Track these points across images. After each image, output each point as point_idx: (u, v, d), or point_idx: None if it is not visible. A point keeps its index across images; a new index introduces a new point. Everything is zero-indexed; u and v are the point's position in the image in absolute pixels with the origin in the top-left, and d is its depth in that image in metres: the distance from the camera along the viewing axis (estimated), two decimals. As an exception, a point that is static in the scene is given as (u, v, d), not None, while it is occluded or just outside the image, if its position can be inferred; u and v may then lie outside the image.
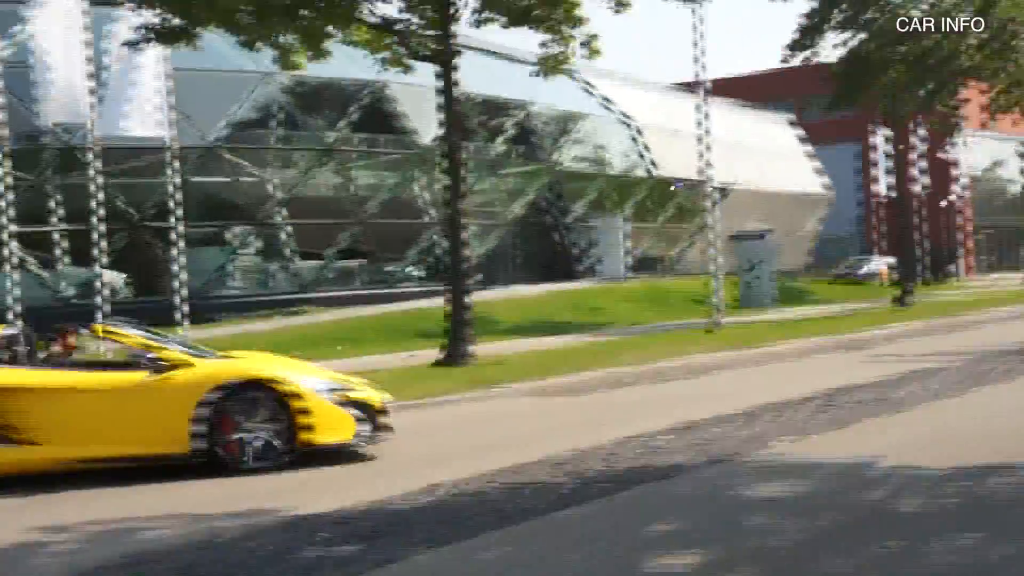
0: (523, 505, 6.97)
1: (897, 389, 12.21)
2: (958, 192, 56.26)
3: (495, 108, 35.14)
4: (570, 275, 36.12)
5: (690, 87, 29.28)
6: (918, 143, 47.84)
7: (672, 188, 41.48)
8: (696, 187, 31.92)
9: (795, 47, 31.43)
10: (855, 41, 30.55)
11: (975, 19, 30.18)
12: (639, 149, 41.02)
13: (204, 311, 23.76)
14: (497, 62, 35.37)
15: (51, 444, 8.58)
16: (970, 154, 57.80)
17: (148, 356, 8.96)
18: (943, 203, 55.72)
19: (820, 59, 31.39)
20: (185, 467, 8.73)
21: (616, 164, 40.31)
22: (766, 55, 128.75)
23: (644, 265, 40.51)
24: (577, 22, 17.66)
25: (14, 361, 9.00)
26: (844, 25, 30.51)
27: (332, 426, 9.05)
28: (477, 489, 7.58)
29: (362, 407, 9.20)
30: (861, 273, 49.22)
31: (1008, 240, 69.16)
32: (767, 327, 23.12)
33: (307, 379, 9.15)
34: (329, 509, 7.19)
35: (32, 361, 9.15)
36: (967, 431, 9.37)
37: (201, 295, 25.15)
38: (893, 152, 38.02)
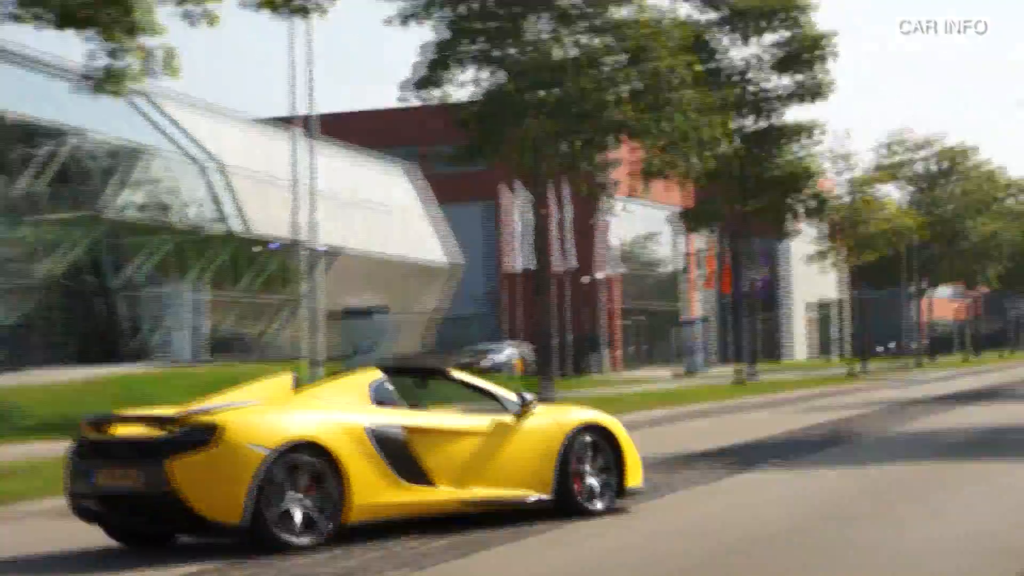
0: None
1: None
2: (606, 268, 59.66)
3: (29, 135, 33.64)
4: (114, 355, 34.82)
5: (290, 123, 29.23)
6: (563, 208, 50.49)
7: (264, 249, 41.21)
8: (294, 249, 31.78)
9: (419, 83, 32.28)
10: (491, 81, 31.73)
11: (628, 67, 32.26)
12: (222, 197, 40.50)
13: None
14: (35, 75, 33.97)
15: (446, 486, 10.83)
16: (619, 225, 61.65)
17: (507, 400, 11.51)
18: (585, 280, 58.79)
19: (449, 100, 32.38)
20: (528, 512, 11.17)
21: (191, 215, 39.61)
22: (386, 90, 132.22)
23: (223, 345, 39.86)
24: (150, 29, 17.19)
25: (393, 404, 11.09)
26: (478, 61, 31.68)
27: (638, 471, 12.09)
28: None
29: None
30: (490, 363, 50.87)
31: (659, 328, 73.98)
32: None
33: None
34: None
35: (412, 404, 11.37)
36: None
37: None
38: (533, 217, 39.76)
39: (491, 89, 31.52)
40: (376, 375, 11.23)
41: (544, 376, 32.40)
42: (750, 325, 52.20)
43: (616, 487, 11.76)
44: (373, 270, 46.66)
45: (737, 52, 48.22)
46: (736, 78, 48.08)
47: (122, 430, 10.38)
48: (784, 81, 47.92)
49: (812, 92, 47.72)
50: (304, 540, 9.98)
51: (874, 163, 72.32)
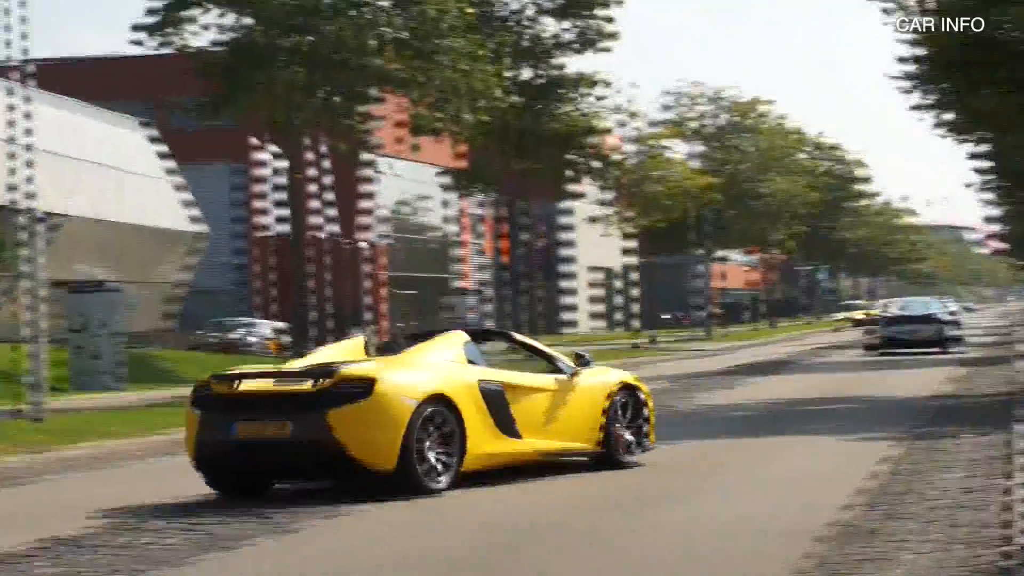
0: None
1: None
2: (371, 235, 59.42)
3: None
4: None
5: (3, 72, 28.24)
6: (322, 168, 50.06)
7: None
8: (10, 215, 30.76)
9: (153, 27, 31.55)
10: (237, 25, 31.17)
11: (391, 10, 32.12)
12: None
13: None
14: None
15: (530, 437, 13.24)
16: (386, 188, 61.48)
17: (561, 362, 13.98)
18: (347, 244, 58.56)
19: (190, 46, 31.71)
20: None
21: None
22: (117, 35, 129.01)
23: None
24: None
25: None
26: (221, 2, 31.10)
27: (653, 429, 14.51)
28: None
29: None
30: (238, 340, 50.27)
31: (430, 300, 74.19)
32: (108, 418, 22.76)
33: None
34: None
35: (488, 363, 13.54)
36: None
37: None
38: (288, 179, 39.26)
39: (236, 34, 30.93)
40: (465, 337, 13.60)
41: (299, 355, 32.04)
42: (528, 295, 52.80)
43: (643, 443, 14.28)
44: (104, 238, 45.57)
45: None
46: (512, 24, 48.34)
47: (253, 385, 12.47)
48: (564, 27, 48.30)
49: (594, 41, 48.19)
50: (440, 484, 12.26)
51: (665, 118, 73.64)
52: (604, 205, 61.59)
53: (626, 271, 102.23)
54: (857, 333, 69.12)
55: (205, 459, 12.56)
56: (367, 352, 13.77)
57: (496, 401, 12.92)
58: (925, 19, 25.05)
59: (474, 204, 78.46)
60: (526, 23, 48.36)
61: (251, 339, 51.35)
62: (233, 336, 50.78)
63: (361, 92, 32.41)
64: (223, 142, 58.85)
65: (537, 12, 48.40)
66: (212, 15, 31.30)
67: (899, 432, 16.64)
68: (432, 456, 12.28)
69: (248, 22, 31.16)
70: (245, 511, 11.64)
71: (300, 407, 12.11)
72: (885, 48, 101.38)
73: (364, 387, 12.06)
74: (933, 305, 45.26)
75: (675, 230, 71.36)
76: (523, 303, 51.88)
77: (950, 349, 40.90)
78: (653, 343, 57.45)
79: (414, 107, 35.64)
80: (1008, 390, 22.20)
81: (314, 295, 41.26)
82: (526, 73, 48.48)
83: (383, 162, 62.71)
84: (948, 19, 22.65)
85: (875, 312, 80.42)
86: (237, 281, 64.61)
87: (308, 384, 12.20)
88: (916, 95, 28.60)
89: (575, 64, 74.86)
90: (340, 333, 57.28)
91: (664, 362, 43.81)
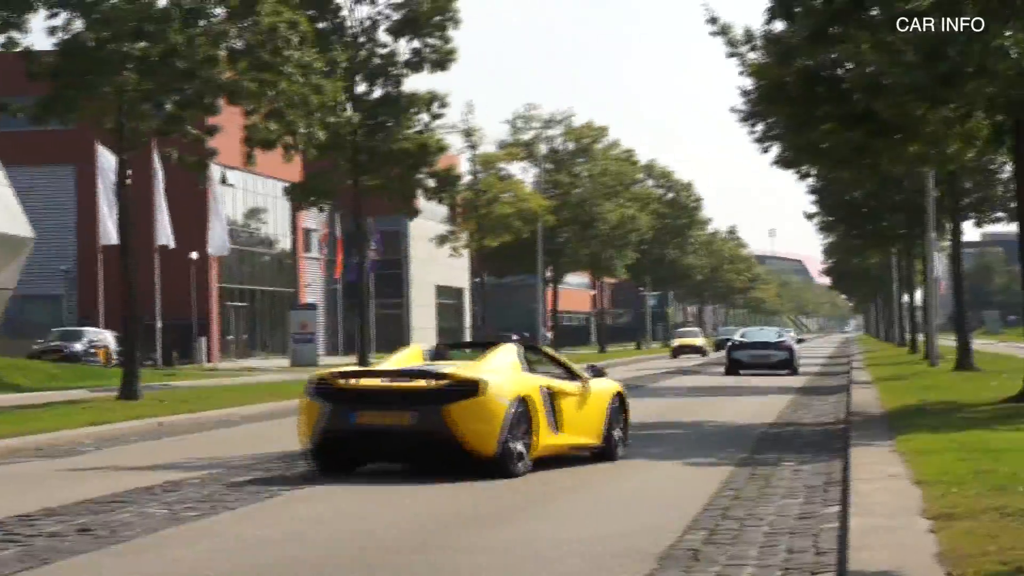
0: None
1: (112, 514, 12.11)
2: (210, 246, 58.64)
3: None
4: None
5: None
6: (158, 176, 49.22)
7: None
8: None
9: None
10: (67, 28, 30.27)
11: (229, 20, 31.53)
12: None
13: None
14: None
15: (564, 433, 15.75)
16: (228, 199, 60.76)
17: (577, 370, 16.71)
18: (192, 257, 57.70)
19: (17, 46, 30.76)
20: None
21: None
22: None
23: None
24: None
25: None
26: (63, 5, 30.25)
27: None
28: None
29: None
30: (67, 350, 49.21)
31: (268, 314, 73.38)
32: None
33: None
34: None
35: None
36: None
37: None
38: (121, 184, 38.25)
39: (76, 36, 30.08)
40: (518, 348, 16.32)
41: (130, 366, 31.23)
42: (366, 312, 52.43)
43: (626, 441, 17.25)
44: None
45: (361, 11, 48.25)
46: (362, 39, 48.09)
47: (368, 382, 15.18)
48: (405, 46, 48.15)
49: (433, 60, 48.09)
50: (520, 470, 14.73)
51: (501, 140, 73.90)
52: (444, 224, 61.57)
53: (465, 291, 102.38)
54: (695, 359, 70.32)
55: (324, 442, 14.90)
56: (424, 358, 16.33)
57: (550, 402, 15.54)
58: (761, 54, 25.43)
59: (318, 219, 77.95)
60: (364, 40, 48.10)
61: (77, 347, 50.28)
62: (60, 346, 49.72)
63: (209, 103, 31.79)
64: (60, 145, 57.72)
65: (375, 28, 48.16)
66: (41, 15, 30.26)
67: (741, 457, 16.76)
68: (518, 446, 14.78)
69: (79, 24, 30.19)
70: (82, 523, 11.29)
71: (419, 401, 14.64)
72: (732, 81, 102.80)
73: (473, 387, 14.59)
74: (774, 333, 51.69)
75: (519, 251, 71.74)
76: (362, 319, 51.20)
77: (797, 372, 46.30)
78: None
79: (247, 118, 35.00)
80: (845, 418, 22.55)
81: (148, 305, 40.27)
82: (364, 89, 48.21)
83: (226, 173, 62.04)
84: (783, 55, 22.98)
85: (696, 341, 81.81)
86: (70, 288, 63.24)
87: (423, 383, 14.76)
88: (759, 127, 29.05)
89: (418, 83, 73.99)
90: (175, 345, 56.70)
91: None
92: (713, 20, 26.96)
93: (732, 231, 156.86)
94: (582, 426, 16.18)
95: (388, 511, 12.42)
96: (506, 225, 61.92)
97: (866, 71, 20.84)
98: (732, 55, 26.80)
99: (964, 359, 39.91)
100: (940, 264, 51.27)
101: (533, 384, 15.44)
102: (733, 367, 46.92)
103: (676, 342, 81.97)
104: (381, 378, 15.21)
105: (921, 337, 58.10)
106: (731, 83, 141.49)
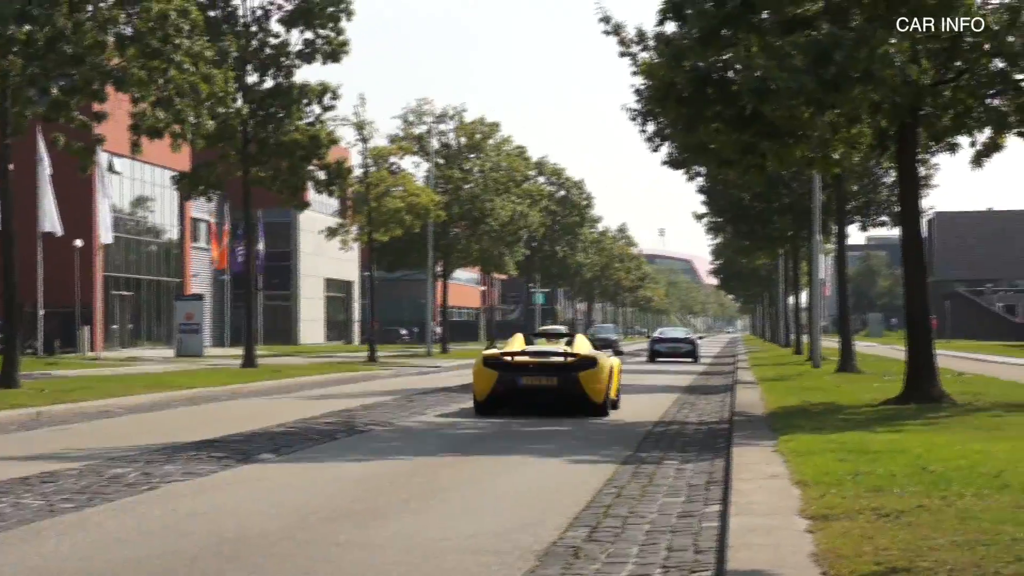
0: None
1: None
2: (95, 234, 57.82)
3: None
4: None
5: None
6: (42, 162, 48.40)
7: None
8: None
9: None
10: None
11: (116, 7, 31.03)
12: None
13: None
14: None
15: (614, 388, 25.47)
16: (115, 187, 59.87)
17: (588, 353, 24.25)
18: (77, 244, 56.84)
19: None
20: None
21: None
22: None
23: None
24: None
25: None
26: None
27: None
28: None
29: None
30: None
31: (154, 304, 72.56)
32: None
33: None
34: None
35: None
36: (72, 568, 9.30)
37: None
38: (3, 171, 37.55)
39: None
40: (584, 335, 28.59)
41: (10, 354, 30.71)
42: (253, 304, 51.96)
43: (617, 403, 25.76)
44: None
45: (253, 0, 47.76)
46: (254, 29, 47.61)
47: (526, 359, 23.92)
48: (297, 36, 47.73)
49: (325, 52, 47.74)
50: (610, 413, 24.17)
51: (392, 134, 73.59)
52: (334, 217, 61.14)
53: (356, 284, 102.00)
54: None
55: (495, 397, 23.82)
56: (527, 342, 25.56)
57: (613, 368, 24.90)
58: (653, 54, 25.56)
59: (207, 209, 77.17)
60: (255, 29, 47.61)
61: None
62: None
63: (97, 90, 31.29)
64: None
65: (267, 18, 47.68)
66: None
67: (625, 456, 16.82)
68: (612, 396, 24.84)
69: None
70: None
71: (561, 371, 23.75)
72: (625, 80, 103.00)
73: (593, 362, 23.86)
74: (683, 332, 71.49)
75: (409, 245, 71.54)
76: (250, 311, 50.72)
77: (698, 360, 61.40)
78: (372, 358, 57.22)
79: (135, 105, 34.46)
80: (729, 417, 22.74)
81: (30, 293, 39.52)
82: (255, 79, 47.71)
83: (119, 163, 61.21)
84: (674, 56, 23.10)
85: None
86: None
87: (561, 359, 23.87)
88: (650, 127, 29.20)
89: (310, 75, 72.93)
90: (57, 333, 55.89)
91: (390, 377, 43.64)
92: (606, 19, 27.16)
93: (622, 230, 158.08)
94: (615, 384, 25.34)
95: (268, 505, 12.31)
96: (397, 219, 61.56)
97: (755, 74, 20.97)
98: (624, 55, 27.00)
99: (847, 361, 40.47)
100: (825, 266, 51.98)
101: (611, 360, 24.86)
102: (654, 355, 62.87)
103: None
104: (531, 356, 24.05)
105: (805, 338, 58.89)
106: (624, 82, 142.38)
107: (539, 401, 23.69)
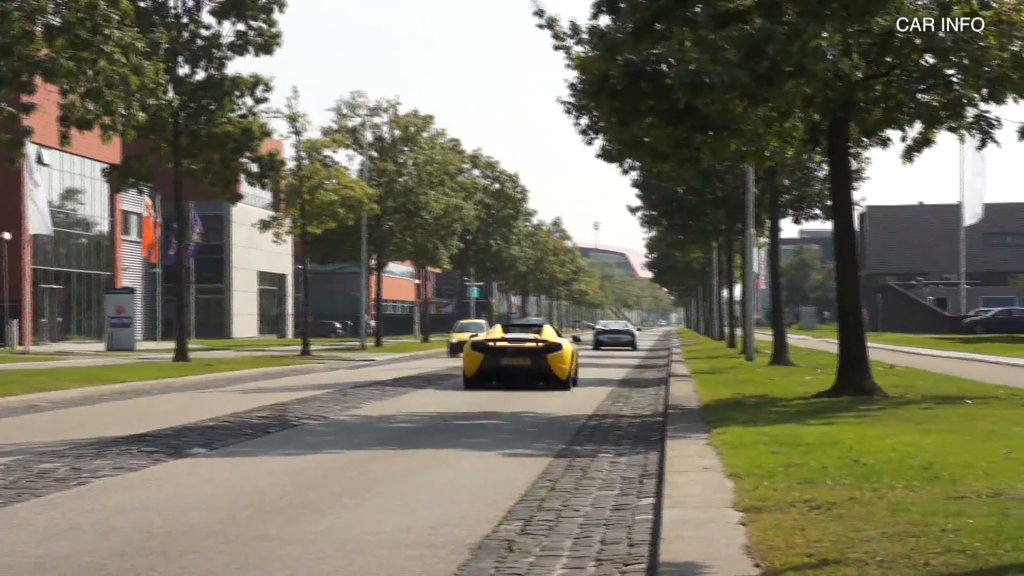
0: None
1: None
2: (22, 226, 57.22)
3: None
4: None
5: None
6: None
7: None
8: None
9: None
10: None
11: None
12: None
13: None
14: None
15: (576, 369, 32.60)
16: (44, 179, 59.26)
17: (554, 340, 30.62)
18: (5, 235, 56.24)
19: None
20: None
21: None
22: None
23: None
24: None
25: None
26: None
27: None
28: None
29: None
30: None
31: (84, 298, 71.93)
32: None
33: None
34: None
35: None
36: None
37: None
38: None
39: None
40: (551, 325, 37.29)
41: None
42: (185, 297, 51.58)
43: (577, 380, 31.46)
44: None
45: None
46: (185, 20, 47.22)
47: (505, 344, 30.13)
48: (229, 28, 47.35)
49: (257, 44, 47.39)
50: (573, 387, 30.55)
51: (326, 127, 73.29)
52: (267, 209, 60.74)
53: (300, 277, 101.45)
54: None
55: (481, 374, 29.83)
56: (504, 331, 31.55)
57: (574, 353, 30.90)
58: (587, 48, 25.60)
59: (138, 202, 76.50)
60: (186, 21, 47.21)
61: None
62: None
63: (25, 81, 30.95)
64: None
65: (198, 9, 47.28)
66: None
67: (559, 449, 16.84)
68: (573, 374, 30.48)
69: None
70: None
71: (533, 353, 29.65)
72: (559, 73, 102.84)
73: (559, 347, 29.76)
74: (623, 324, 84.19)
75: (343, 238, 71.22)
76: (181, 304, 50.34)
77: (636, 348, 73.11)
78: (306, 352, 56.98)
79: (64, 97, 34.12)
80: (663, 411, 22.81)
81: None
82: (186, 71, 47.30)
83: (48, 155, 60.56)
84: (608, 49, 23.11)
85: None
86: None
87: (535, 344, 29.75)
88: (584, 120, 29.28)
89: (243, 67, 72.58)
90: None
91: (324, 371, 43.46)
92: (540, 12, 27.16)
93: (557, 223, 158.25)
94: (575, 367, 30.98)
95: (199, 500, 12.23)
96: (330, 212, 61.24)
97: (689, 68, 21.03)
98: (559, 48, 27.02)
99: (780, 354, 40.73)
100: (758, 260, 52.26)
101: (573, 346, 31.40)
102: (598, 344, 73.96)
103: (456, 338, 57.57)
104: (509, 342, 30.06)
105: (739, 331, 59.19)
106: (558, 75, 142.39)
107: (516, 377, 29.61)
